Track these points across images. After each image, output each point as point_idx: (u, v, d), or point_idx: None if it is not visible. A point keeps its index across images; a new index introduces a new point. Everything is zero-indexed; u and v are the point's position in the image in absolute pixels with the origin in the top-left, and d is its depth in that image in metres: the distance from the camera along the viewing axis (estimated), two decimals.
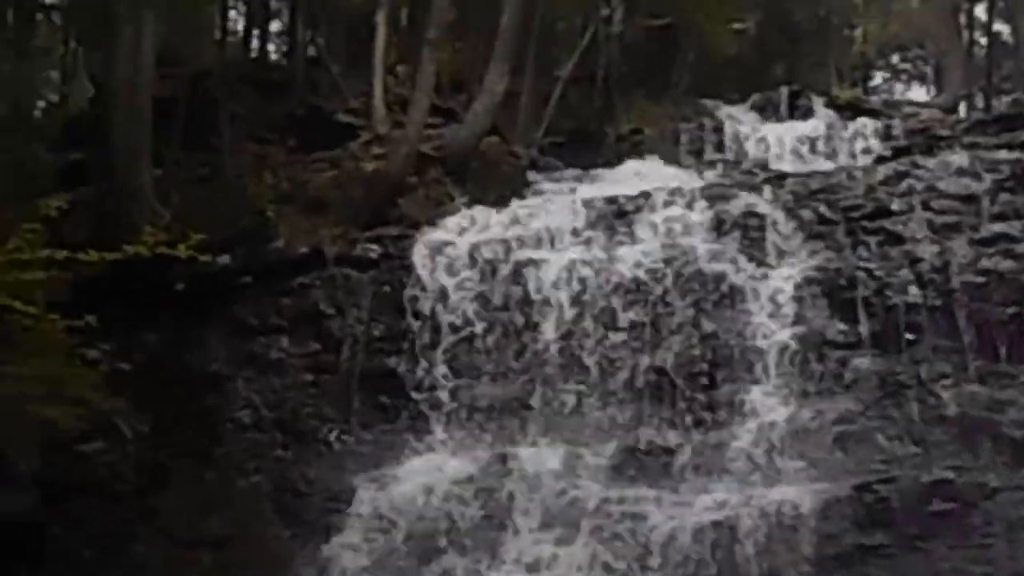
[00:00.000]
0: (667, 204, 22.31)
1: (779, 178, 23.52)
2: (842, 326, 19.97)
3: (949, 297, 19.89)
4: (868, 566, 16.73)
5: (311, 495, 19.86)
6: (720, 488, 18.13)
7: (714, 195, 22.46)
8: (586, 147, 30.79)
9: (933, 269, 20.23)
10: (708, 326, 20.29)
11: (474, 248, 21.80)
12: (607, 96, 31.78)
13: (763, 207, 21.88)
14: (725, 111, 33.39)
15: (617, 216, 22.24)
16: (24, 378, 17.61)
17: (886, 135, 29.57)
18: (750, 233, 21.42)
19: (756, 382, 19.72)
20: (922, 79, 58.00)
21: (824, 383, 19.53)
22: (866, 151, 28.52)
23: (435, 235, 22.37)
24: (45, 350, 18.12)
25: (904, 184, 21.94)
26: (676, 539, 17.21)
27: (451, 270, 21.60)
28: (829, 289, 20.36)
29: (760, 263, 20.98)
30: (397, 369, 21.03)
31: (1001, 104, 39.30)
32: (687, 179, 24.73)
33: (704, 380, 19.87)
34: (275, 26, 39.55)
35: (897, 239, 20.87)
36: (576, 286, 20.92)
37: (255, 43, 37.01)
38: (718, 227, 21.61)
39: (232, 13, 35.45)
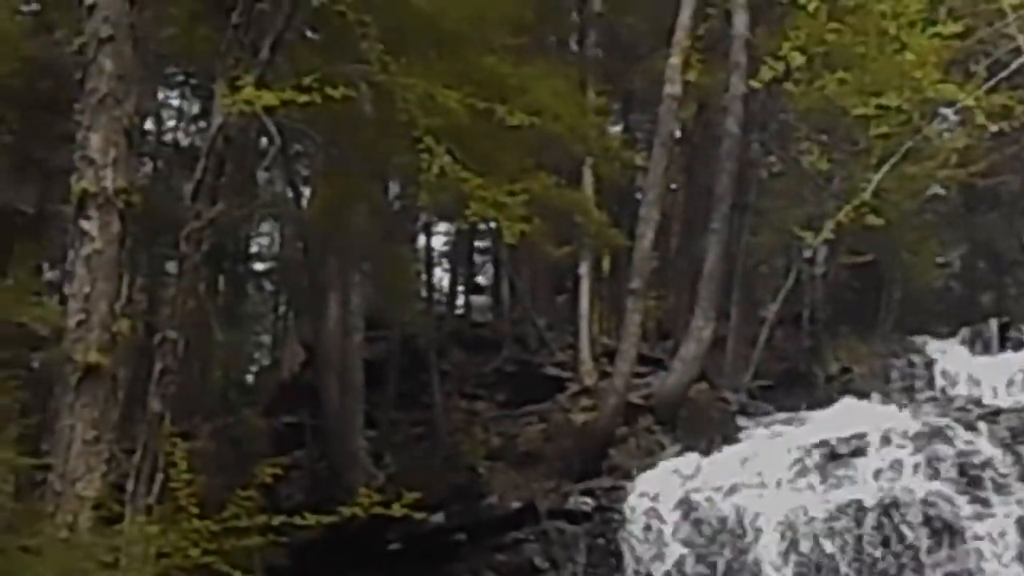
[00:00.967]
0: (881, 445, 21.81)
1: (994, 414, 22.89)
2: None
3: None
4: None
5: None
6: None
7: (928, 434, 21.91)
8: (795, 389, 30.45)
9: None
10: (928, 570, 19.64)
11: (687, 497, 21.48)
12: (814, 336, 31.48)
13: (979, 444, 21.27)
14: (934, 346, 32.84)
15: (831, 459, 21.79)
16: None
17: None
18: (968, 472, 20.78)
19: None
20: None
21: None
22: None
23: (648, 485, 22.10)
24: None
25: None
26: None
27: (665, 520, 21.27)
28: None
29: (980, 502, 20.31)
30: None
31: None
32: (900, 418, 24.17)
33: None
34: (480, 281, 40.13)
35: None
36: (790, 534, 20.45)
37: (460, 300, 37.60)
38: (934, 467, 21.01)
39: (437, 271, 36.14)
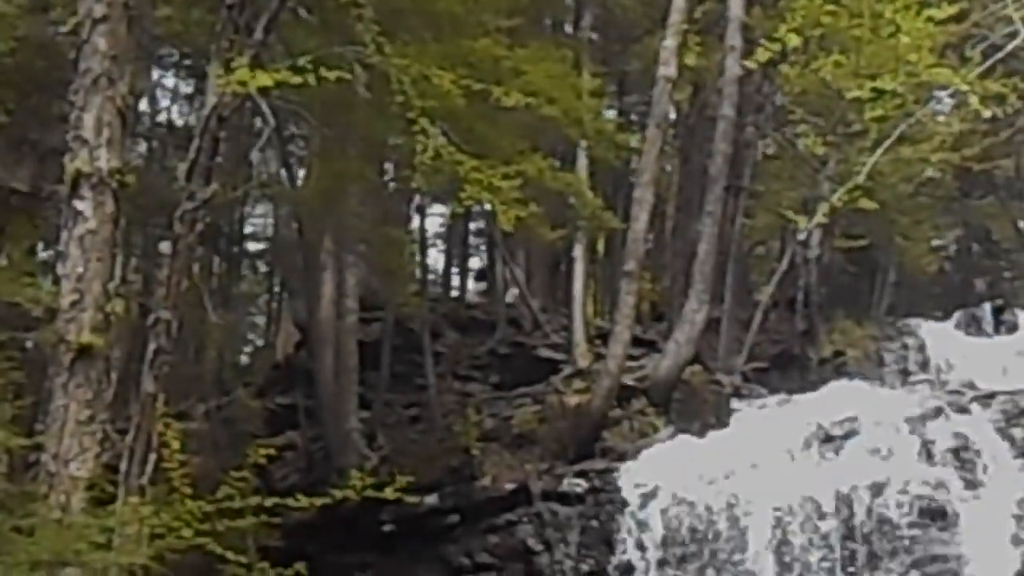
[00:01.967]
0: (874, 428, 21.82)
1: (987, 397, 22.91)
2: None
3: None
4: None
5: None
6: None
7: (921, 417, 21.93)
8: (789, 371, 30.48)
9: None
10: (919, 552, 19.66)
11: (680, 478, 21.48)
12: (808, 319, 31.49)
13: (972, 428, 21.28)
14: (928, 329, 32.85)
15: (824, 441, 21.81)
16: None
17: None
18: (961, 455, 20.80)
19: None
20: None
21: None
22: None
23: (641, 467, 22.11)
24: None
25: None
26: None
27: (658, 502, 21.28)
28: None
29: (972, 485, 20.33)
30: None
31: None
32: (893, 401, 24.18)
33: None
34: (474, 263, 40.16)
35: None
36: (785, 516, 20.46)
37: (454, 282, 37.62)
38: (927, 450, 21.03)
39: (431, 252, 36.14)
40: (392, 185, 29.48)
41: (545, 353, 28.69)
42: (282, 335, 32.91)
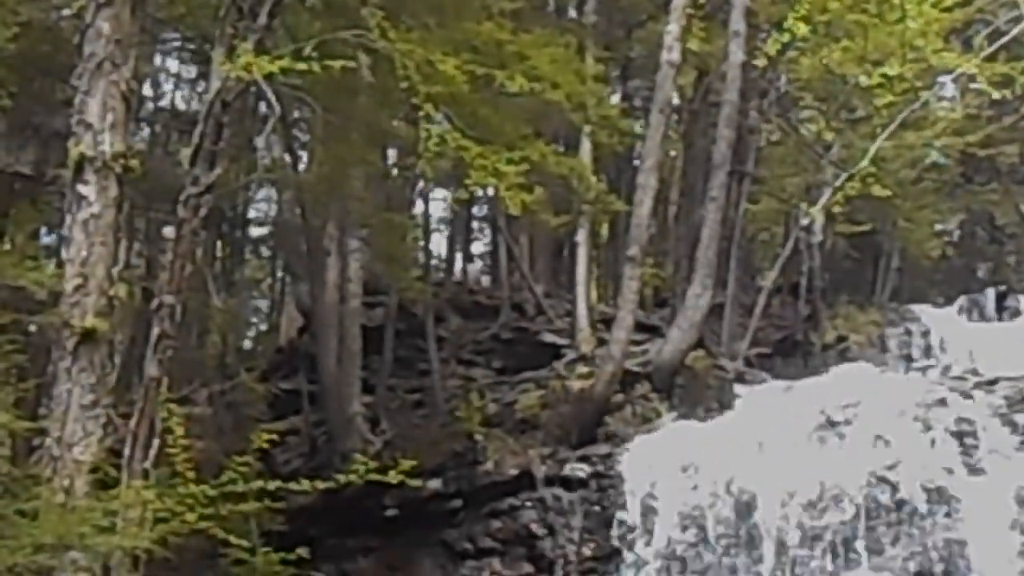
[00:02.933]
0: (877, 413, 21.82)
1: (990, 383, 22.89)
2: None
3: None
4: None
5: None
6: None
7: (924, 403, 21.92)
8: (792, 357, 30.52)
9: None
10: (923, 536, 19.67)
11: (683, 464, 21.49)
12: (811, 305, 31.51)
13: (975, 413, 21.26)
14: (931, 315, 32.87)
15: (827, 427, 21.80)
16: None
17: None
18: (964, 440, 20.79)
19: None
20: None
21: None
22: None
23: (643, 452, 22.13)
24: None
25: None
26: None
27: (661, 487, 21.29)
28: None
29: (975, 471, 20.33)
30: None
31: None
32: (896, 386, 24.17)
33: None
34: (478, 248, 40.17)
35: None
36: (789, 500, 20.46)
37: (458, 266, 37.62)
38: (930, 435, 21.01)
39: (434, 237, 36.14)
40: (396, 170, 29.50)
41: (548, 338, 28.70)
42: (285, 320, 32.92)
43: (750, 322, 29.05)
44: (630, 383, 24.12)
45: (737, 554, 20.31)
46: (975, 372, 26.00)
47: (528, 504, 22.14)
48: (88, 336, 13.90)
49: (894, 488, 20.15)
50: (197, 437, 19.00)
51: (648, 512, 20.99)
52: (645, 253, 25.30)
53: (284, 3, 16.73)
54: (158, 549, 14.39)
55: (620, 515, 21.19)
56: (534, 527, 21.90)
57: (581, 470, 22.08)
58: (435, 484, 22.33)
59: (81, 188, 14.16)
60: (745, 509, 20.53)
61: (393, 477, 18.27)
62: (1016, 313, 32.95)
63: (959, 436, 20.68)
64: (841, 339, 31.42)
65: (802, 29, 17.71)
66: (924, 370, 28.64)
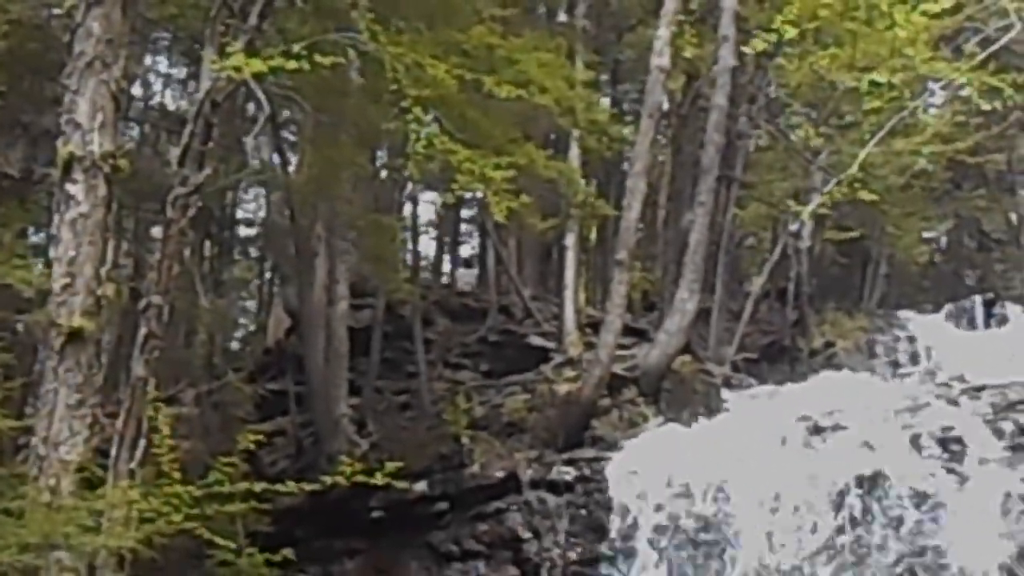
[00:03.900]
0: (864, 419, 21.85)
1: (976, 390, 22.93)
2: None
3: None
4: None
5: None
6: None
7: (911, 409, 21.96)
8: (780, 362, 30.55)
9: None
10: (907, 545, 19.68)
11: (669, 468, 21.49)
12: (799, 310, 31.54)
13: (960, 420, 21.28)
14: (919, 321, 32.93)
15: (813, 433, 21.82)
16: None
17: None
18: (949, 447, 20.80)
19: None
20: None
21: None
22: None
23: (630, 456, 22.13)
24: None
25: None
26: None
27: (647, 492, 21.29)
28: None
29: (960, 478, 20.35)
30: None
31: None
32: (882, 393, 24.22)
33: None
34: (466, 250, 40.16)
35: None
36: (774, 506, 20.47)
37: (446, 269, 37.64)
38: (917, 442, 21.03)
39: (423, 239, 36.13)
40: (384, 172, 29.50)
41: (536, 341, 28.74)
42: (273, 321, 32.88)
43: (737, 327, 29.09)
44: (617, 387, 24.13)
45: (722, 558, 20.32)
46: (962, 379, 25.99)
47: (514, 507, 22.11)
48: (75, 335, 13.90)
49: (880, 494, 20.13)
50: (183, 437, 19.04)
51: (634, 516, 20.98)
52: (633, 257, 25.32)
53: (275, 4, 16.75)
54: (143, 549, 14.39)
55: (606, 519, 21.19)
56: (520, 530, 21.88)
57: (567, 474, 22.05)
58: (421, 486, 22.30)
59: (69, 187, 14.16)
60: (730, 514, 20.53)
61: (379, 479, 18.31)
62: (1003, 320, 32.99)
63: (945, 443, 20.68)
64: (828, 345, 31.45)
65: (790, 32, 17.73)
66: (910, 376, 28.65)
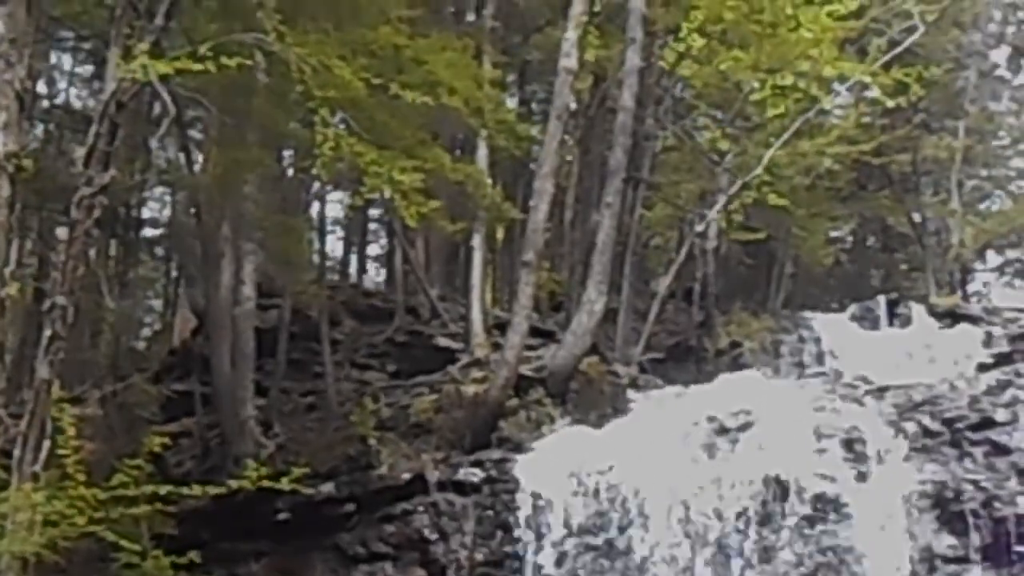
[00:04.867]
0: (768, 420, 21.99)
1: (880, 390, 23.15)
2: (951, 540, 19.47)
3: None
4: None
5: None
6: None
7: (816, 409, 22.13)
8: (686, 363, 30.70)
9: None
10: (811, 545, 19.85)
11: (576, 469, 21.54)
12: (705, 310, 31.73)
13: (865, 420, 21.48)
14: (824, 321, 33.21)
15: (719, 433, 21.94)
16: None
17: (987, 342, 29.18)
18: (853, 448, 20.98)
19: None
20: None
21: None
22: (968, 359, 28.04)
23: (537, 457, 22.16)
24: None
25: (1008, 394, 21.45)
26: None
27: (553, 492, 21.32)
28: (937, 502, 19.84)
29: (864, 477, 20.54)
30: None
31: None
32: (787, 393, 24.39)
33: None
34: (373, 251, 40.10)
35: (1003, 450, 20.32)
36: (679, 507, 20.57)
37: (353, 269, 37.55)
38: (820, 443, 21.19)
39: (330, 239, 36.03)
40: (291, 172, 29.37)
41: (443, 342, 28.72)
42: (179, 321, 32.69)
43: (644, 327, 29.19)
44: (524, 388, 24.12)
45: (628, 559, 20.39)
46: (866, 379, 26.25)
47: (421, 509, 22.05)
48: None
49: (784, 494, 20.27)
50: (88, 439, 18.85)
51: (541, 518, 21.01)
52: (541, 258, 25.39)
53: (180, 4, 16.66)
54: (47, 553, 14.28)
55: (513, 520, 21.21)
56: (427, 532, 21.83)
57: (474, 475, 22.04)
58: (328, 488, 22.22)
59: None
60: (636, 515, 20.62)
61: (285, 484, 18.29)
62: (907, 321, 33.34)
63: (849, 443, 20.86)
64: (734, 345, 31.64)
65: (698, 41, 17.90)
66: (815, 377, 28.88)
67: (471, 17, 33.21)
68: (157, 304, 39.37)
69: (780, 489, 20.33)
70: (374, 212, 37.89)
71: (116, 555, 17.75)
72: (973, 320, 32.83)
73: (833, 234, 41.72)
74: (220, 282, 24.83)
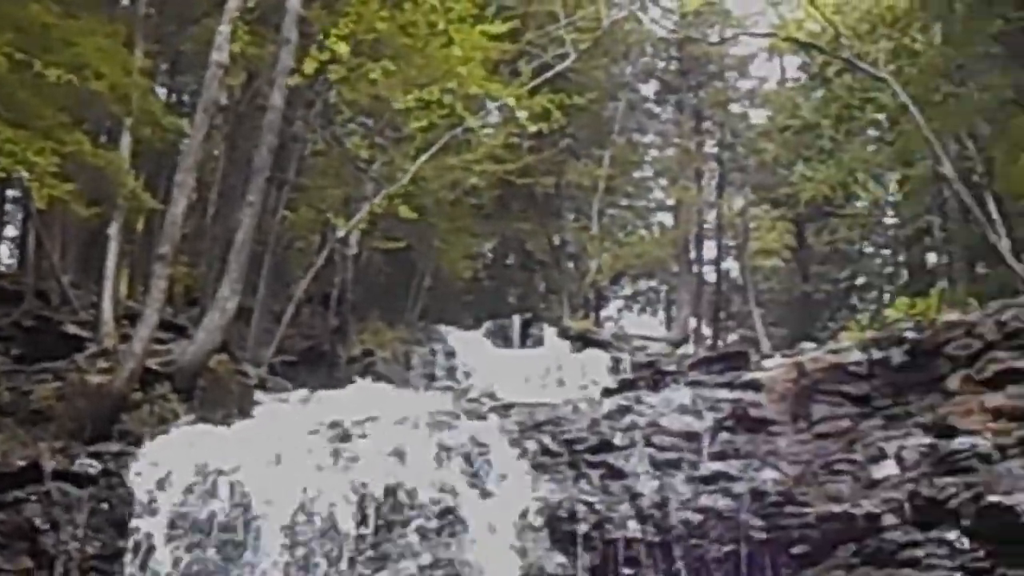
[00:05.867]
0: (393, 430, 22.16)
1: (505, 407, 23.59)
2: (561, 559, 19.86)
3: (667, 533, 19.98)
4: None
5: None
6: None
7: (440, 422, 22.41)
8: (318, 367, 30.80)
9: (653, 505, 20.31)
10: (428, 556, 20.06)
11: (196, 468, 21.32)
12: (341, 317, 31.88)
13: (487, 436, 21.83)
14: (458, 337, 33.72)
15: (342, 440, 22.01)
16: None
17: (615, 368, 30.06)
18: (473, 461, 21.32)
19: None
20: (654, 310, 59.58)
21: None
22: (594, 384, 28.79)
23: (157, 453, 21.86)
24: None
25: (627, 419, 22.15)
26: None
27: (171, 489, 21.07)
28: (550, 521, 20.27)
29: (483, 492, 20.88)
30: None
31: (726, 341, 40.44)
32: (414, 404, 24.62)
33: None
34: (8, 232, 39.04)
35: (619, 473, 20.97)
36: (301, 508, 20.54)
37: None
38: (441, 455, 21.46)
39: None
40: None
41: (72, 329, 28.07)
42: None
43: (278, 329, 29.17)
44: (151, 382, 23.80)
45: (241, 561, 20.27)
46: (493, 396, 26.78)
47: (33, 497, 21.44)
48: None
49: (404, 504, 20.45)
50: None
51: (156, 514, 20.73)
52: (178, 252, 25.13)
53: None
54: None
55: (128, 514, 20.87)
56: (37, 521, 21.24)
57: (91, 466, 21.56)
58: None
59: None
60: (253, 516, 20.53)
61: None
62: (539, 341, 34.15)
63: (470, 457, 21.20)
64: (367, 353, 31.87)
65: (343, 48, 18.00)
66: (444, 390, 29.25)
67: (126, 2, 32.62)
68: None
69: (400, 498, 20.52)
70: (11, 193, 36.87)
71: None
72: (603, 345, 33.87)
73: (474, 250, 42.30)
74: None
